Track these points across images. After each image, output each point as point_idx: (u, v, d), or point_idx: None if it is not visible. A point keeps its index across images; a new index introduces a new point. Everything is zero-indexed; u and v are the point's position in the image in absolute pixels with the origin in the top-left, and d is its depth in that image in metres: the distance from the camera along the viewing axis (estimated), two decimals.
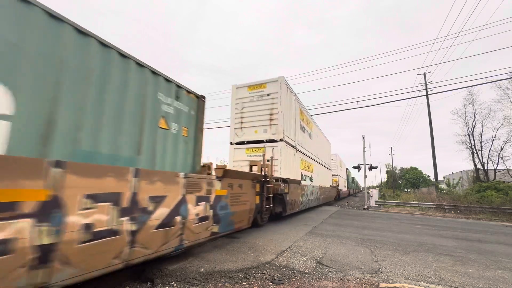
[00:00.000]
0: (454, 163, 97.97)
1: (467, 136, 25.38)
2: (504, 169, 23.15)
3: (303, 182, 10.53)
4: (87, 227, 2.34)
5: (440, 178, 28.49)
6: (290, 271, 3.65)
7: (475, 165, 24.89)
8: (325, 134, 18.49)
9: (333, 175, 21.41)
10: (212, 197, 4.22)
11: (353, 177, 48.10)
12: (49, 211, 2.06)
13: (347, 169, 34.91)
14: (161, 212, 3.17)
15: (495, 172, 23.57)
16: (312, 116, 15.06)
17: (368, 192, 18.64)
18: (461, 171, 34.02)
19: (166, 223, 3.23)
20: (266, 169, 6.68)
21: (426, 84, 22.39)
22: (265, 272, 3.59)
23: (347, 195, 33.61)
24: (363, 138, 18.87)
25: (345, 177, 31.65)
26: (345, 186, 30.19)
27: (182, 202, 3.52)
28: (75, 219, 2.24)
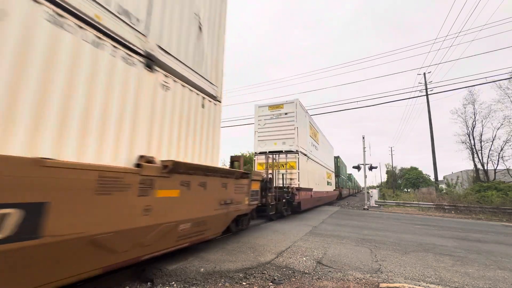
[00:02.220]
0: (454, 163, 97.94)
1: (467, 136, 25.42)
2: (504, 169, 23.16)
3: None
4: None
5: (440, 178, 28.51)
6: (290, 271, 3.65)
7: (475, 165, 24.90)
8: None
9: (286, 151, 10.46)
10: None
11: (350, 174, 39.68)
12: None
13: (338, 158, 23.85)
14: None
15: (495, 172, 23.57)
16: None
17: (368, 192, 18.64)
18: (461, 171, 34.04)
19: None
20: None
21: (426, 84, 22.40)
22: (265, 272, 3.59)
23: (335, 198, 21.02)
24: (363, 138, 18.88)
25: (333, 168, 20.57)
26: (329, 184, 17.76)
27: None
28: None
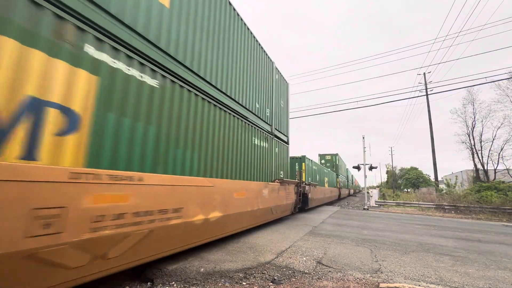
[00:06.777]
0: (454, 163, 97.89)
1: (467, 135, 25.42)
2: (504, 169, 23.16)
3: None
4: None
5: (440, 178, 28.49)
6: (290, 271, 3.65)
7: (475, 165, 24.90)
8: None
9: None
10: None
11: (337, 157, 24.31)
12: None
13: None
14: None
15: (495, 172, 23.58)
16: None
17: (368, 192, 18.65)
18: (461, 171, 34.05)
19: None
20: None
21: (426, 84, 22.41)
22: (265, 272, 3.59)
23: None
24: (363, 138, 18.89)
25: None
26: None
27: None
28: None
